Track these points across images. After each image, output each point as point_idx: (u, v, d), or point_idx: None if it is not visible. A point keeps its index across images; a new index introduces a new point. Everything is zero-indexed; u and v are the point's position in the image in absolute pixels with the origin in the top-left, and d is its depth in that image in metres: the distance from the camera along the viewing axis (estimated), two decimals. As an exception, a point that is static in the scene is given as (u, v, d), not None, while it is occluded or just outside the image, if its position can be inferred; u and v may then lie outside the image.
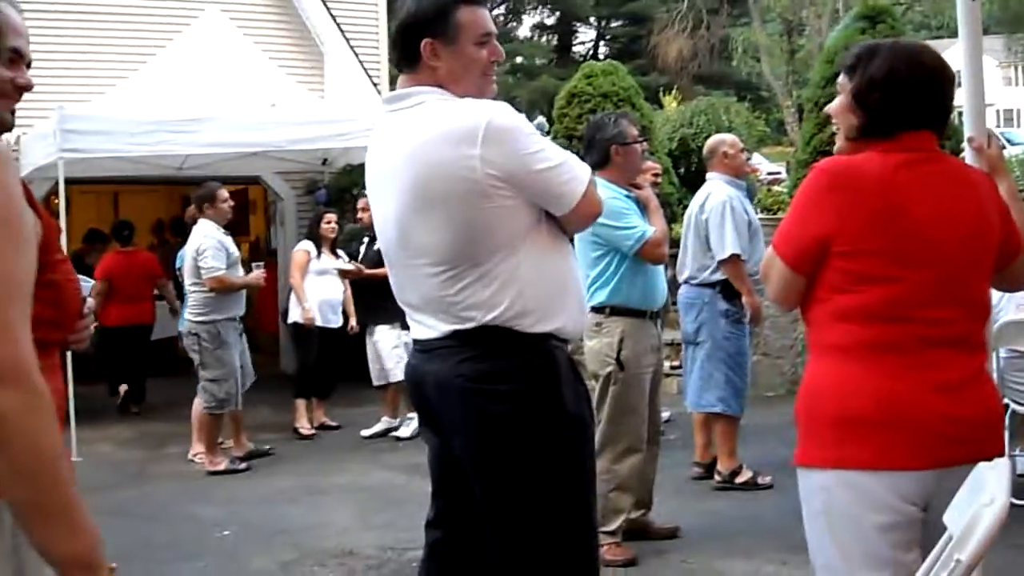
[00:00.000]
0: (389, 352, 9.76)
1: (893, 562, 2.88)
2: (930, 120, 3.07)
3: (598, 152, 5.87)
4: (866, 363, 2.91)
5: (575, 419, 3.19)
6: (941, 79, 3.09)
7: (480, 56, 3.22)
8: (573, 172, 3.15)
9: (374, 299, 9.65)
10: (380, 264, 9.59)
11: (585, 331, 5.45)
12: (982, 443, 2.85)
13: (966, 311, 2.98)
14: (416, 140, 3.13)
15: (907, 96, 3.03)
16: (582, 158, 3.96)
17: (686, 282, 7.31)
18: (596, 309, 5.76)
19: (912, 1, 37.41)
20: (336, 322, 10.28)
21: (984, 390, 2.97)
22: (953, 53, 3.87)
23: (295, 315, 10.16)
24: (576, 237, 5.29)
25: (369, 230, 9.88)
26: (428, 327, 3.25)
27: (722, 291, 7.13)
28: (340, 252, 10.41)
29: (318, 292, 10.09)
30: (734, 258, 7.00)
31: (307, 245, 10.21)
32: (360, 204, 10.28)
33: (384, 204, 3.29)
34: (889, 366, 2.88)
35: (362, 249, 10.16)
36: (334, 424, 10.41)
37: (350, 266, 10.05)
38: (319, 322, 10.06)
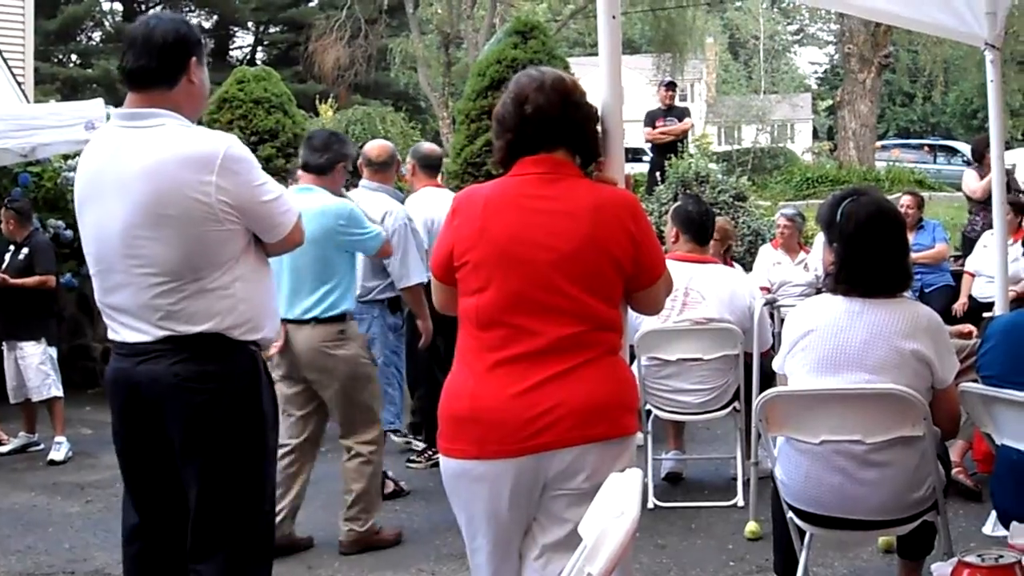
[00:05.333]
0: (36, 368, 9.11)
1: (507, 539, 3.32)
2: (541, 144, 3.32)
3: (332, 158, 5.99)
4: (468, 366, 3.31)
5: (266, 415, 3.72)
6: (538, 103, 3.30)
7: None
8: (287, 205, 3.70)
9: (19, 313, 9.04)
10: (25, 273, 9.13)
11: (324, 345, 5.80)
12: (570, 431, 3.17)
13: (560, 320, 3.21)
14: (153, 159, 3.46)
15: (507, 126, 3.35)
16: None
17: (358, 299, 7.21)
18: (339, 319, 5.88)
19: (567, 18, 38.67)
20: None
21: (574, 387, 3.19)
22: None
23: None
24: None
25: (14, 239, 9.30)
26: (138, 332, 3.58)
27: (389, 306, 7.26)
28: None
29: None
30: (418, 287, 6.92)
31: None
32: (3, 215, 9.53)
33: (107, 214, 3.55)
34: (481, 370, 3.26)
35: (7, 258, 9.35)
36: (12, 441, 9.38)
37: None
38: None
